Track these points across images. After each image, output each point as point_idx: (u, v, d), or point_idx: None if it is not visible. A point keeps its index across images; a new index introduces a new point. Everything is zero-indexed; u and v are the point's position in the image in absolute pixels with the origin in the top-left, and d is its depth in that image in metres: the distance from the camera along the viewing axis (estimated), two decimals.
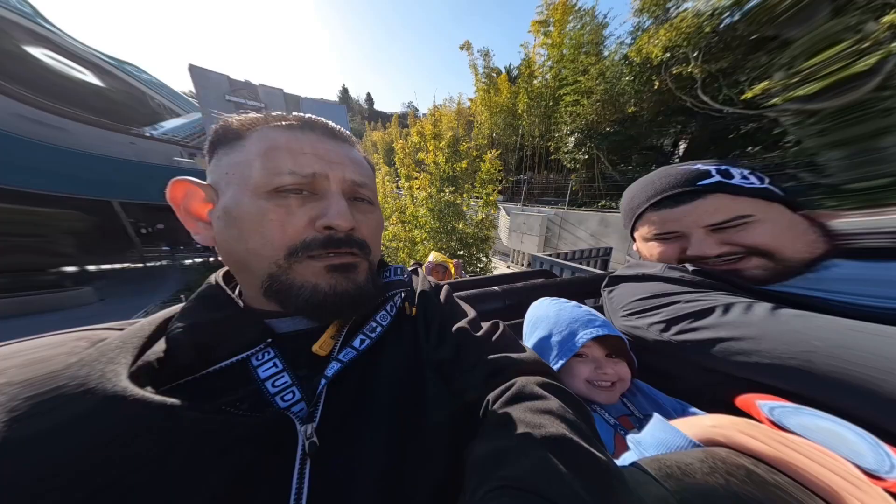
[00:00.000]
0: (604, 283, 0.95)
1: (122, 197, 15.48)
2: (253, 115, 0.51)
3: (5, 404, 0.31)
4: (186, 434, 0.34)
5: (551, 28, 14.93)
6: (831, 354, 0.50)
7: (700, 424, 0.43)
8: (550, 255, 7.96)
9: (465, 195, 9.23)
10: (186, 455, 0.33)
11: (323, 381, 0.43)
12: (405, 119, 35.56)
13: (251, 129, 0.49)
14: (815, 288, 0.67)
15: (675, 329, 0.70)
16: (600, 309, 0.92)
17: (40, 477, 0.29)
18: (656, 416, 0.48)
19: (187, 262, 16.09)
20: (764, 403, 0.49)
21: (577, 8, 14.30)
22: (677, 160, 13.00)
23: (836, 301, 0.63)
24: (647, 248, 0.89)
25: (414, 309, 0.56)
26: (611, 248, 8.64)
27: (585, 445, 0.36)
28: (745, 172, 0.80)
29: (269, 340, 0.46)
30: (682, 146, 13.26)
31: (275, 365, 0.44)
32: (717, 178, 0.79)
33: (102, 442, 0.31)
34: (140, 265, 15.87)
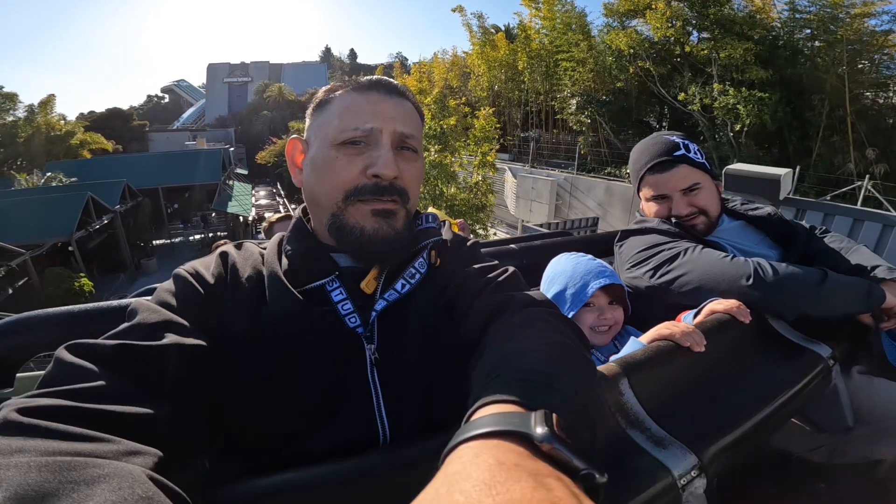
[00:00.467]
0: (616, 238, 1.15)
1: (163, 183, 19.98)
2: (338, 83, 0.62)
3: (249, 269, 0.56)
4: (318, 324, 0.51)
5: (541, 5, 14.78)
6: (706, 273, 0.88)
7: (648, 334, 0.71)
8: (541, 226, 8.19)
9: (456, 153, 8.22)
10: (313, 336, 0.50)
11: (373, 314, 0.53)
12: (391, 70, 31.51)
13: (334, 94, 0.59)
14: (717, 236, 1.08)
15: (659, 273, 0.94)
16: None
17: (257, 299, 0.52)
18: (631, 338, 0.71)
19: (191, 238, 20.00)
20: (682, 315, 0.86)
21: None
22: None
23: (722, 243, 1.04)
24: (647, 208, 1.13)
25: (439, 259, 0.61)
26: (597, 219, 8.86)
27: (582, 351, 0.45)
28: (695, 148, 1.09)
29: (337, 273, 0.55)
30: (665, 125, 14.58)
31: (341, 293, 0.53)
32: (683, 150, 1.05)
33: (278, 311, 0.51)
34: (167, 241, 19.78)
